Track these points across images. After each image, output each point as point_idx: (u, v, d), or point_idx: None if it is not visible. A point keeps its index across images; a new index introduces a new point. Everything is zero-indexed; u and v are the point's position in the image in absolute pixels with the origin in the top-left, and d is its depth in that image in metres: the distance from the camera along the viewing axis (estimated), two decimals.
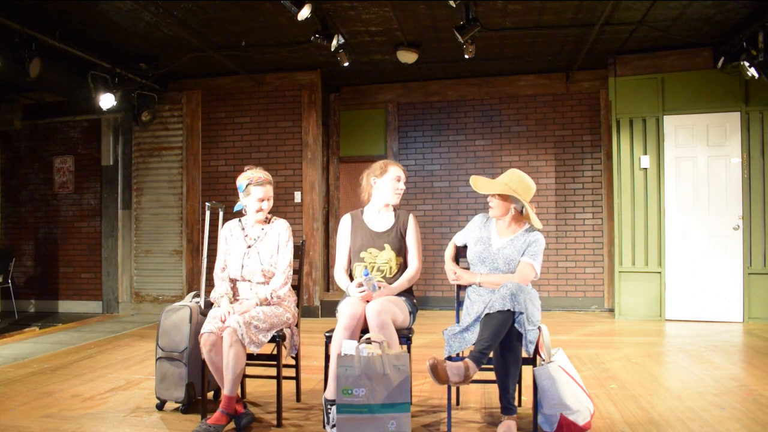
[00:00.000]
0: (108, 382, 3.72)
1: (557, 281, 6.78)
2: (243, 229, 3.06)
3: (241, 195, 2.99)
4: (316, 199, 6.63)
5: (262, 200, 2.93)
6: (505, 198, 2.80)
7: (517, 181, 2.79)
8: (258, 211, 2.95)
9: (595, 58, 6.24)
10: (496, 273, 2.79)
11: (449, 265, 2.95)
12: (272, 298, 2.90)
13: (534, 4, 4.86)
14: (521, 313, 2.46)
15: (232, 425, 2.76)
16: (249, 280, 2.97)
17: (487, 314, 2.49)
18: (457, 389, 3.22)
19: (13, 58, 4.78)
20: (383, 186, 3.06)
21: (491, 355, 2.57)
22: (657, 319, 5.91)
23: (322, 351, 3.12)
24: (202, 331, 2.73)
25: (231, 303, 2.87)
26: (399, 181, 3.08)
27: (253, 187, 2.93)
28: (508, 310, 2.46)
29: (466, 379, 2.42)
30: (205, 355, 2.73)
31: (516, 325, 2.48)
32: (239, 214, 3.11)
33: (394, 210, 3.15)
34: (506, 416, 2.58)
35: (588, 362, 4.09)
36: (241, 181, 2.96)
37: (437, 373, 2.41)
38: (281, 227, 3.01)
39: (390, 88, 7.29)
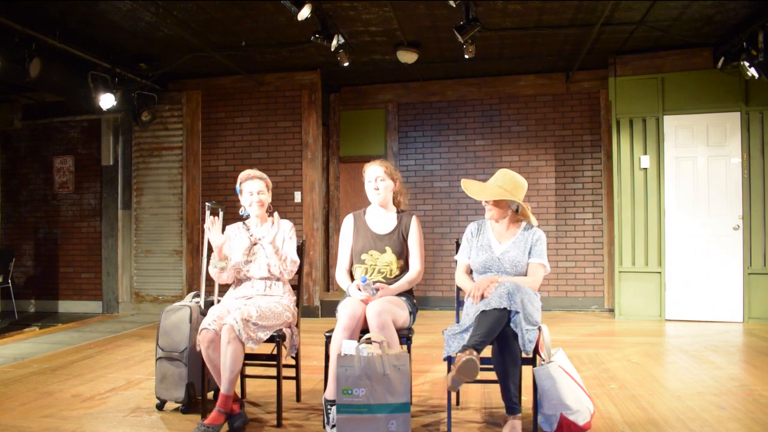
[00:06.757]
0: (108, 382, 3.72)
1: (557, 281, 6.78)
2: (248, 229, 3.15)
3: (240, 198, 3.15)
4: (316, 199, 6.63)
5: (252, 194, 3.07)
6: (500, 201, 2.78)
7: (510, 182, 2.76)
8: (251, 205, 3.08)
9: (595, 58, 6.24)
10: (505, 276, 2.75)
11: (467, 283, 2.81)
12: (284, 259, 2.98)
13: (534, 4, 4.86)
14: (517, 312, 2.44)
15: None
16: (251, 277, 3.02)
17: (483, 311, 2.48)
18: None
19: (13, 58, 4.78)
20: (366, 188, 3.13)
21: (490, 355, 2.57)
22: (657, 319, 5.91)
23: (322, 351, 3.12)
24: (201, 327, 2.74)
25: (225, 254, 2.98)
26: (371, 182, 3.08)
27: (244, 184, 3.10)
28: (504, 309, 2.44)
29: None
30: (203, 352, 2.73)
31: (511, 324, 2.46)
32: (245, 218, 3.23)
33: (398, 211, 3.15)
34: (510, 416, 2.57)
35: (588, 362, 4.09)
36: (237, 184, 3.16)
37: (464, 369, 2.32)
38: (286, 225, 3.14)
39: (390, 88, 7.29)
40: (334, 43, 5.15)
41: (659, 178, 5.96)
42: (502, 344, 2.50)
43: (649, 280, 5.97)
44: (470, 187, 2.84)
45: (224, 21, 5.18)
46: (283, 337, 2.85)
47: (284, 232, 3.10)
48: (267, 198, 3.11)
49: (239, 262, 3.03)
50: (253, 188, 3.06)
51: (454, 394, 3.06)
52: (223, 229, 3.17)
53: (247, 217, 3.19)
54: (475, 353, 2.35)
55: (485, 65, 6.61)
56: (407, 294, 3.01)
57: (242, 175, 3.12)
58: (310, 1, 4.38)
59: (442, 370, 3.81)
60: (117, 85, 5.99)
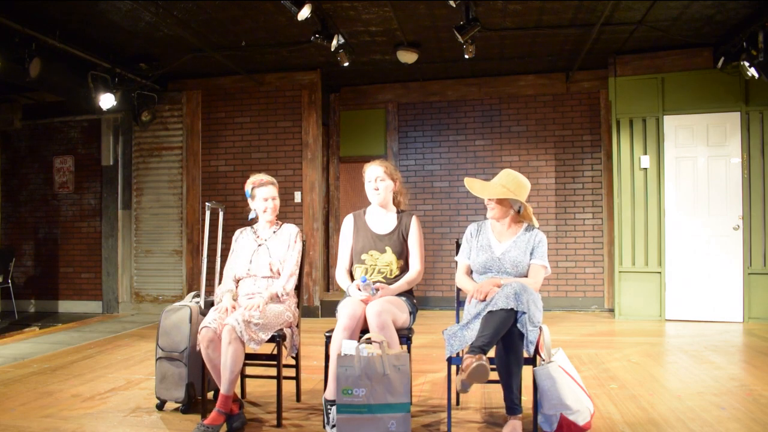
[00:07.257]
0: (108, 382, 3.72)
1: (557, 281, 6.78)
2: (255, 232, 3.20)
3: (249, 201, 3.18)
4: (316, 199, 6.63)
5: (267, 199, 3.11)
6: (503, 200, 2.79)
7: (513, 182, 2.77)
8: (265, 211, 3.13)
9: (595, 58, 6.24)
10: (507, 277, 2.75)
11: (468, 284, 2.82)
12: (282, 295, 2.99)
13: (534, 4, 4.86)
14: (524, 312, 2.44)
15: None
16: (254, 275, 3.04)
17: (489, 312, 2.48)
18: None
19: (13, 58, 4.78)
20: (366, 188, 3.13)
21: (492, 354, 2.56)
22: (657, 319, 5.91)
23: (322, 351, 3.12)
24: (201, 325, 2.75)
25: (234, 299, 2.97)
26: (371, 182, 3.08)
27: (257, 190, 3.13)
28: (511, 309, 2.44)
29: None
30: (202, 351, 2.74)
31: (518, 325, 2.46)
32: (253, 221, 3.27)
33: (398, 211, 3.15)
34: (511, 416, 2.57)
35: (588, 362, 4.09)
36: (247, 187, 3.17)
37: (475, 373, 2.31)
38: (292, 230, 3.17)
39: (390, 88, 7.29)
40: (334, 43, 5.15)
41: (659, 178, 5.96)
42: (507, 345, 2.50)
43: (649, 280, 5.97)
44: (474, 185, 2.86)
45: (224, 21, 5.18)
46: (283, 337, 2.86)
47: (290, 236, 3.12)
48: (278, 202, 3.16)
49: (244, 265, 3.07)
50: (267, 194, 3.11)
51: (454, 395, 3.06)
52: (224, 230, 3.21)
53: (254, 219, 3.23)
54: (484, 358, 2.35)
55: (485, 65, 6.61)
56: (407, 294, 3.01)
57: (254, 180, 3.14)
58: (310, 1, 4.38)
59: (442, 370, 3.81)
60: (117, 85, 5.98)
